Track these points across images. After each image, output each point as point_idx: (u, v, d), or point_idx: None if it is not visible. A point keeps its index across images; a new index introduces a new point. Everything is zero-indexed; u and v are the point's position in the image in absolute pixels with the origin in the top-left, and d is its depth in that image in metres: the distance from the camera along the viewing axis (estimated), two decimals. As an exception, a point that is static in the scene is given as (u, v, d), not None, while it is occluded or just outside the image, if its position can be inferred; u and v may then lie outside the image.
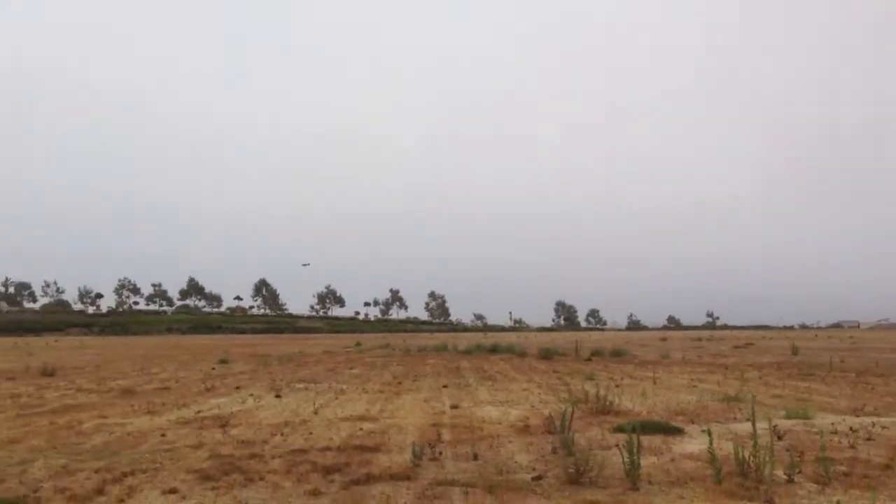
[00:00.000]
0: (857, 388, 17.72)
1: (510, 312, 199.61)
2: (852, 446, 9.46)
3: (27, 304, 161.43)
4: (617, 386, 18.02)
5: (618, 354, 34.21)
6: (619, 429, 10.46)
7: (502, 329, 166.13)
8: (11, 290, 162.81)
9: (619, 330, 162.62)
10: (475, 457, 8.88)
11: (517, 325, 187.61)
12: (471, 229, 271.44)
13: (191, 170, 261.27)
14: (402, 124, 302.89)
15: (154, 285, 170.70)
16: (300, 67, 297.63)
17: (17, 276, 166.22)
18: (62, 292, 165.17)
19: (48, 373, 23.80)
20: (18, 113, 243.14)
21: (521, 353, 35.85)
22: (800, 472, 7.76)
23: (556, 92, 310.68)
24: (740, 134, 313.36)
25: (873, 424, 11.36)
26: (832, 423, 11.48)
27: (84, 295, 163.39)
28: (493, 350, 39.91)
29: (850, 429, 10.94)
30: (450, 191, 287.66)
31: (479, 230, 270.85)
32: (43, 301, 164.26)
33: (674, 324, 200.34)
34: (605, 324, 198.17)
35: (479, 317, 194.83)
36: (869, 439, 10.03)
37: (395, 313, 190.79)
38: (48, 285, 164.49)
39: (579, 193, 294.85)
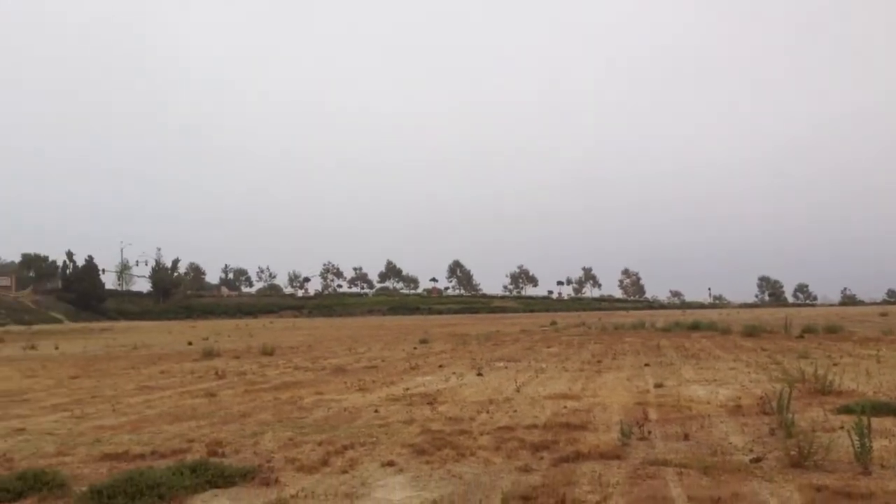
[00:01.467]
0: None
1: (709, 289, 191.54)
2: None
3: (244, 289, 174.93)
4: (835, 364, 16.86)
5: (833, 331, 31.95)
6: (844, 409, 9.84)
7: (701, 306, 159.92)
8: (231, 276, 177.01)
9: (832, 305, 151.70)
10: (686, 437, 8.66)
11: (717, 301, 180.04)
12: (663, 204, 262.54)
13: (388, 158, 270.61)
14: (591, 102, 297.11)
15: (355, 269, 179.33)
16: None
17: (235, 263, 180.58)
18: (274, 277, 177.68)
19: (267, 352, 25.65)
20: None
21: (724, 331, 34.38)
22: None
23: (746, 58, 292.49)
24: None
25: None
26: None
27: (293, 279, 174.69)
28: (694, 327, 38.50)
29: None
30: (642, 166, 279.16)
31: (672, 205, 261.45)
32: (258, 286, 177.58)
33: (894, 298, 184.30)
34: (815, 299, 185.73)
35: (676, 294, 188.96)
36: None
37: (589, 291, 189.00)
38: (262, 271, 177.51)
39: (790, 165, 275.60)
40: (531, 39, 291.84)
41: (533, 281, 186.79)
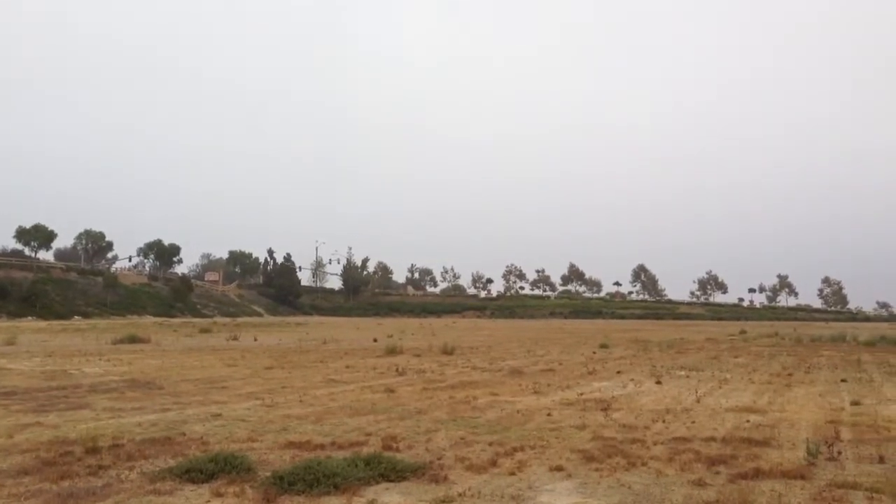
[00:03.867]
0: None
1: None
2: None
3: (429, 289, 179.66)
4: None
5: None
6: None
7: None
8: (416, 275, 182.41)
9: None
10: (881, 459, 8.01)
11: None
12: (875, 212, 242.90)
13: (574, 168, 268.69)
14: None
15: (538, 271, 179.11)
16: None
17: (421, 263, 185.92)
18: (458, 277, 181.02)
19: (447, 351, 26.23)
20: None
21: (939, 346, 31.42)
22: None
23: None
24: None
25: None
26: None
27: (477, 280, 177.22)
28: (902, 342, 35.47)
29: None
30: (855, 171, 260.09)
31: (885, 213, 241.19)
32: (442, 286, 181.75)
33: None
34: None
35: (884, 305, 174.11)
36: None
37: (784, 300, 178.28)
38: (446, 271, 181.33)
39: None
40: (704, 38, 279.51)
41: (722, 287, 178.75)
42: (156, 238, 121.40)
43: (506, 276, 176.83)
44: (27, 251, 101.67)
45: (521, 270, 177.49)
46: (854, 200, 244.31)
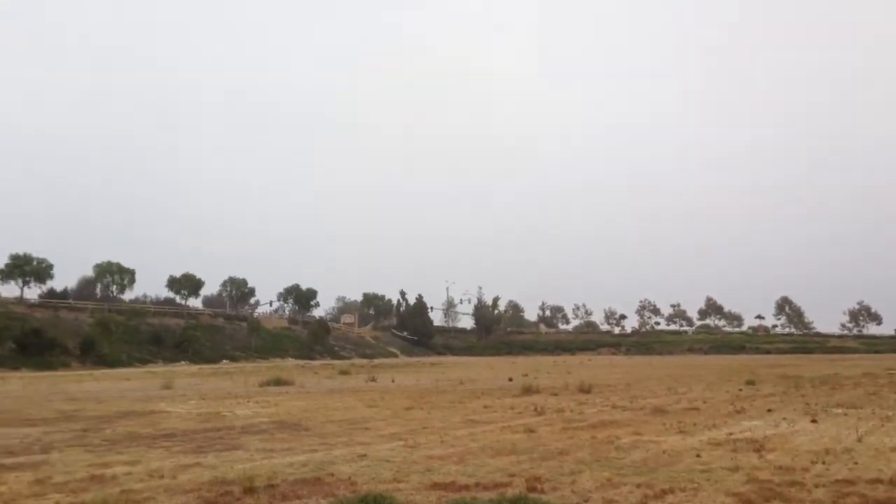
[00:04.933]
0: None
1: None
2: None
3: (561, 326, 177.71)
4: None
5: None
6: None
7: None
8: (548, 312, 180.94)
9: None
10: None
11: None
12: None
13: (706, 195, 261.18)
14: None
15: (673, 305, 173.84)
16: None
17: (553, 301, 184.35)
18: (590, 314, 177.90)
19: (585, 389, 25.80)
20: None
21: None
22: None
23: None
24: None
25: None
26: None
27: (609, 316, 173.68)
28: None
29: None
30: None
31: None
32: (574, 322, 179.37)
33: None
34: None
35: None
36: None
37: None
38: (578, 308, 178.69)
39: None
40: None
41: (876, 318, 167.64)
42: (293, 283, 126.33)
43: (639, 312, 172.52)
44: (178, 299, 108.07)
45: (655, 305, 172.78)
46: None
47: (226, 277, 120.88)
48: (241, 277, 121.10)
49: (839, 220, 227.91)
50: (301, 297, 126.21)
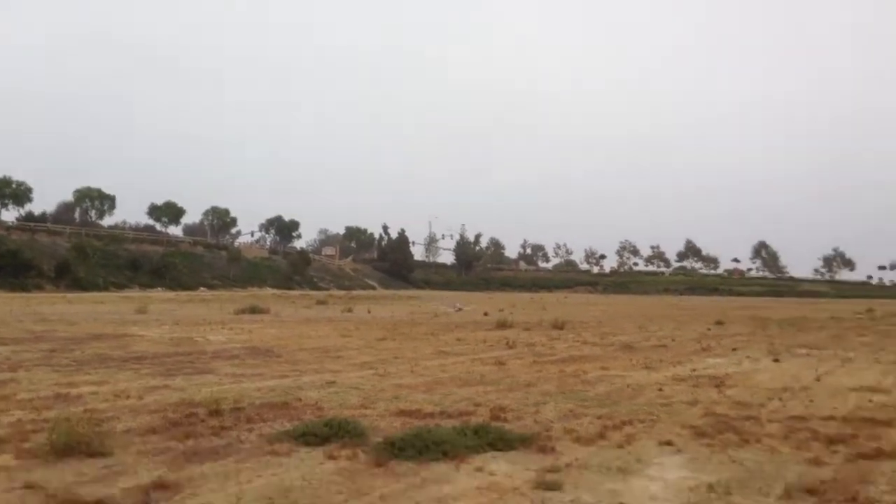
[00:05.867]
0: None
1: None
2: None
3: (541, 264, 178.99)
4: None
5: None
6: None
7: None
8: (528, 251, 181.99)
9: None
10: None
11: None
12: None
13: (689, 140, 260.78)
14: None
15: (652, 247, 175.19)
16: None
17: (533, 238, 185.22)
18: (571, 253, 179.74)
19: (558, 326, 26.09)
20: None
21: None
22: None
23: None
24: None
25: None
26: None
27: (589, 256, 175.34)
28: None
29: None
30: None
31: None
32: (554, 261, 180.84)
33: None
34: None
35: None
36: None
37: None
38: (559, 247, 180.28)
39: None
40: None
41: (849, 265, 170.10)
42: (276, 214, 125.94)
43: (619, 253, 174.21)
44: (158, 226, 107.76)
45: (635, 246, 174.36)
46: None
47: (208, 207, 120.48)
48: (223, 207, 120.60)
49: (823, 172, 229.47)
50: (283, 229, 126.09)
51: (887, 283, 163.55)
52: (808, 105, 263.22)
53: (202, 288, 77.09)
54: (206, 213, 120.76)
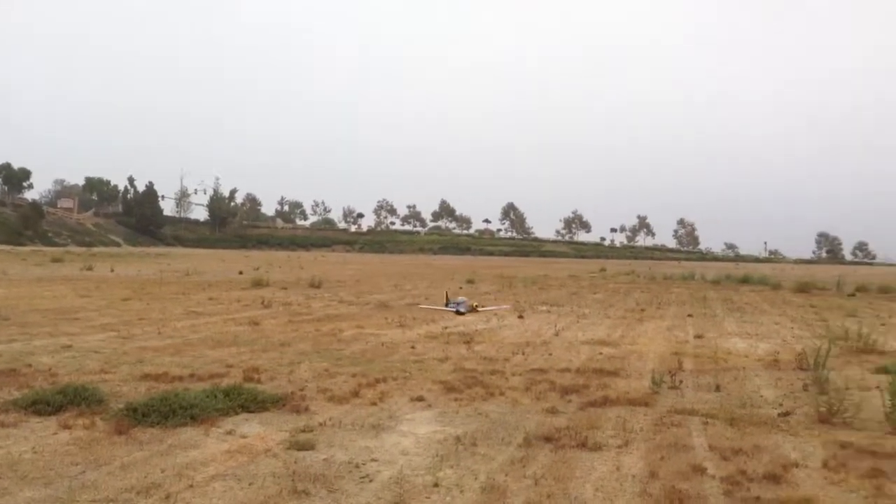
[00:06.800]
0: None
1: (765, 243, 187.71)
2: None
3: (299, 222, 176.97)
4: (883, 324, 16.55)
5: (886, 291, 31.22)
6: (882, 369, 9.66)
7: (756, 260, 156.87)
8: (286, 208, 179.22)
9: (892, 265, 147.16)
10: (717, 388, 8.62)
11: (772, 256, 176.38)
12: (724, 157, 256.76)
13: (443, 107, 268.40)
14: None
15: (409, 207, 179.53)
16: None
17: (291, 195, 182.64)
18: (329, 211, 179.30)
19: (315, 285, 26.05)
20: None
21: (774, 286, 33.84)
22: None
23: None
24: None
25: None
26: None
27: (347, 214, 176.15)
28: (744, 281, 37.98)
29: None
30: (701, 117, 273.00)
31: (733, 157, 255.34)
32: (312, 219, 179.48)
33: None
34: (874, 258, 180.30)
35: (731, 246, 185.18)
36: None
37: (642, 240, 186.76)
38: (317, 205, 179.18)
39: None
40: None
41: (586, 227, 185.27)
42: (3, 162, 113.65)
43: (377, 212, 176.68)
44: None
45: (392, 206, 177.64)
46: (704, 146, 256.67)
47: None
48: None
49: (567, 136, 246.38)
50: (12, 177, 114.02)
51: (617, 244, 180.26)
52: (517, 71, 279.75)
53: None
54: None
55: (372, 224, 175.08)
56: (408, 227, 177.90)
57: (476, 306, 17.63)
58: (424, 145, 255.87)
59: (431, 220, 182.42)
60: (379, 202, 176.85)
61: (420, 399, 7.68)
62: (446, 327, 14.51)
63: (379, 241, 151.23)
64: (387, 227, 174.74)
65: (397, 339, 12.62)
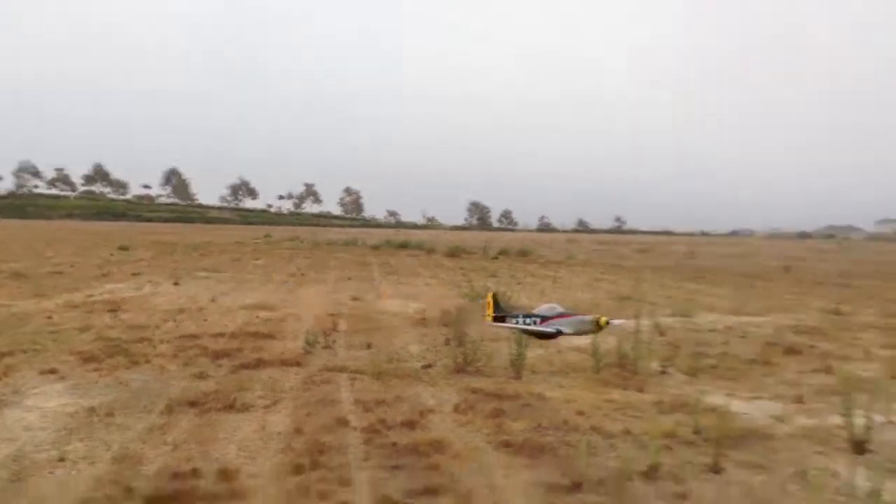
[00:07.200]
0: (741, 290, 18.63)
1: (423, 211, 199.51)
2: (726, 342, 10.02)
3: None
4: (518, 283, 18.42)
5: (524, 254, 34.83)
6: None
7: (415, 226, 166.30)
8: None
9: (530, 231, 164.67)
10: (369, 346, 9.01)
11: (430, 223, 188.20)
12: (389, 129, 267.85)
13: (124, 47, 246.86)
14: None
15: (57, 170, 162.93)
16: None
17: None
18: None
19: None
20: None
21: (429, 250, 36.16)
22: (673, 365, 8.20)
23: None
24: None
25: (748, 323, 12.04)
26: (712, 322, 12.10)
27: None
28: (403, 246, 40.07)
29: (727, 327, 11.57)
30: (379, 92, 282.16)
31: (400, 130, 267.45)
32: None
33: (583, 227, 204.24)
34: (516, 225, 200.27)
35: (393, 213, 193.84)
36: (742, 336, 10.63)
37: (309, 207, 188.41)
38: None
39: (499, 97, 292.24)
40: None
41: (253, 194, 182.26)
42: None
43: (17, 175, 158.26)
44: None
45: (36, 168, 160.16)
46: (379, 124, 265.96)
47: None
48: None
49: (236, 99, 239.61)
50: None
51: (284, 211, 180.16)
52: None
53: None
54: None
55: (12, 188, 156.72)
56: (55, 192, 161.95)
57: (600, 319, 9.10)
58: (74, 91, 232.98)
59: (83, 185, 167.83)
60: (20, 163, 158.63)
61: (52, 371, 7.07)
62: (91, 295, 13.50)
63: (20, 205, 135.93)
64: (29, 190, 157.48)
65: (31, 309, 11.49)
